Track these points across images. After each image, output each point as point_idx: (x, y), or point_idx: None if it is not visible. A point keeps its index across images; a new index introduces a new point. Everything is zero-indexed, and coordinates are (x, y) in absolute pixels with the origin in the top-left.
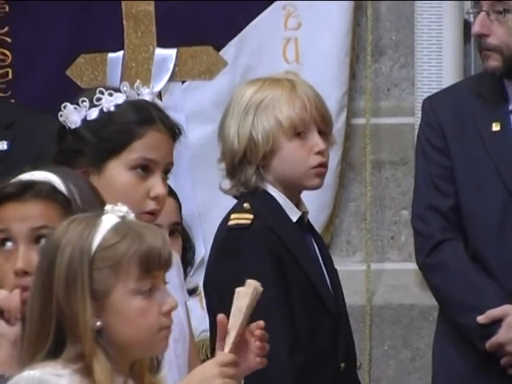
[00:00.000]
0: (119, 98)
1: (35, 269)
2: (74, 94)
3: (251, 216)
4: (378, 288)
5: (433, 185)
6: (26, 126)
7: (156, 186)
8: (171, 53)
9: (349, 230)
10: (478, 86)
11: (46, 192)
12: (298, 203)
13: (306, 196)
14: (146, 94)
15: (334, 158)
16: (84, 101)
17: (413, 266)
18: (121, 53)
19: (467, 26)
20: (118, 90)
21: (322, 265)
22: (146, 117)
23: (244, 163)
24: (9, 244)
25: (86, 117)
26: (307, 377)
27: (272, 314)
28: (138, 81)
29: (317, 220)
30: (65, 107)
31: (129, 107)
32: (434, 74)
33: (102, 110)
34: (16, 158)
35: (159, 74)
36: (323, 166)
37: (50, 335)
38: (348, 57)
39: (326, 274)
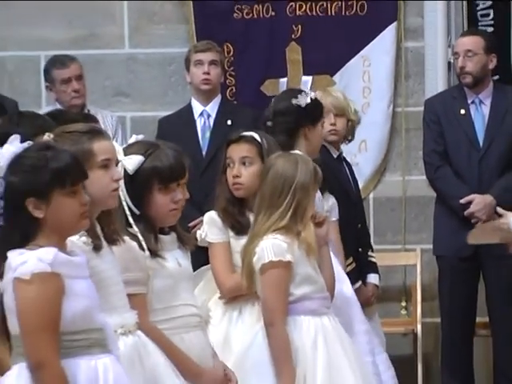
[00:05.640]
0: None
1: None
2: (265, 100)
3: None
4: (408, 187)
5: (433, 140)
6: (239, 113)
7: None
8: (309, 79)
9: (394, 161)
10: (451, 92)
11: (250, 139)
12: (337, 149)
13: (374, 145)
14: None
15: (386, 127)
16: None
17: (424, 178)
18: (285, 79)
19: (450, 64)
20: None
21: (351, 180)
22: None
23: None
24: (231, 165)
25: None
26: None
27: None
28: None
29: (378, 156)
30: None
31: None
32: (434, 88)
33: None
34: (234, 129)
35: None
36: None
37: (287, 215)
38: (393, 79)
39: (352, 185)
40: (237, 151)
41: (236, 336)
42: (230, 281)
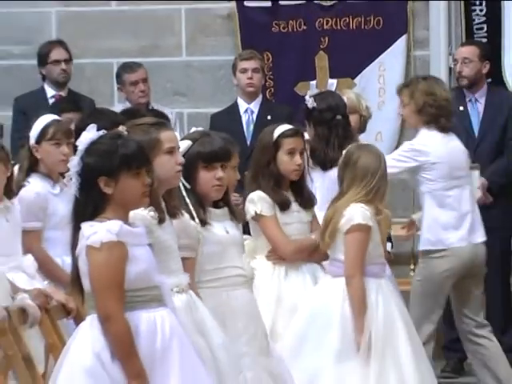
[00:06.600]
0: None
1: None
2: (298, 99)
3: None
4: None
5: None
6: (277, 110)
7: None
8: (334, 81)
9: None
10: (452, 92)
11: (302, 135)
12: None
13: (388, 136)
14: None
15: (398, 122)
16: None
17: None
18: (314, 81)
19: (451, 70)
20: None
21: None
22: None
23: None
24: (290, 155)
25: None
26: None
27: None
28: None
29: (391, 146)
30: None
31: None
32: None
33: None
34: (269, 121)
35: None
36: None
37: (370, 193)
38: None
39: None
40: (299, 144)
41: (287, 294)
42: (291, 244)
